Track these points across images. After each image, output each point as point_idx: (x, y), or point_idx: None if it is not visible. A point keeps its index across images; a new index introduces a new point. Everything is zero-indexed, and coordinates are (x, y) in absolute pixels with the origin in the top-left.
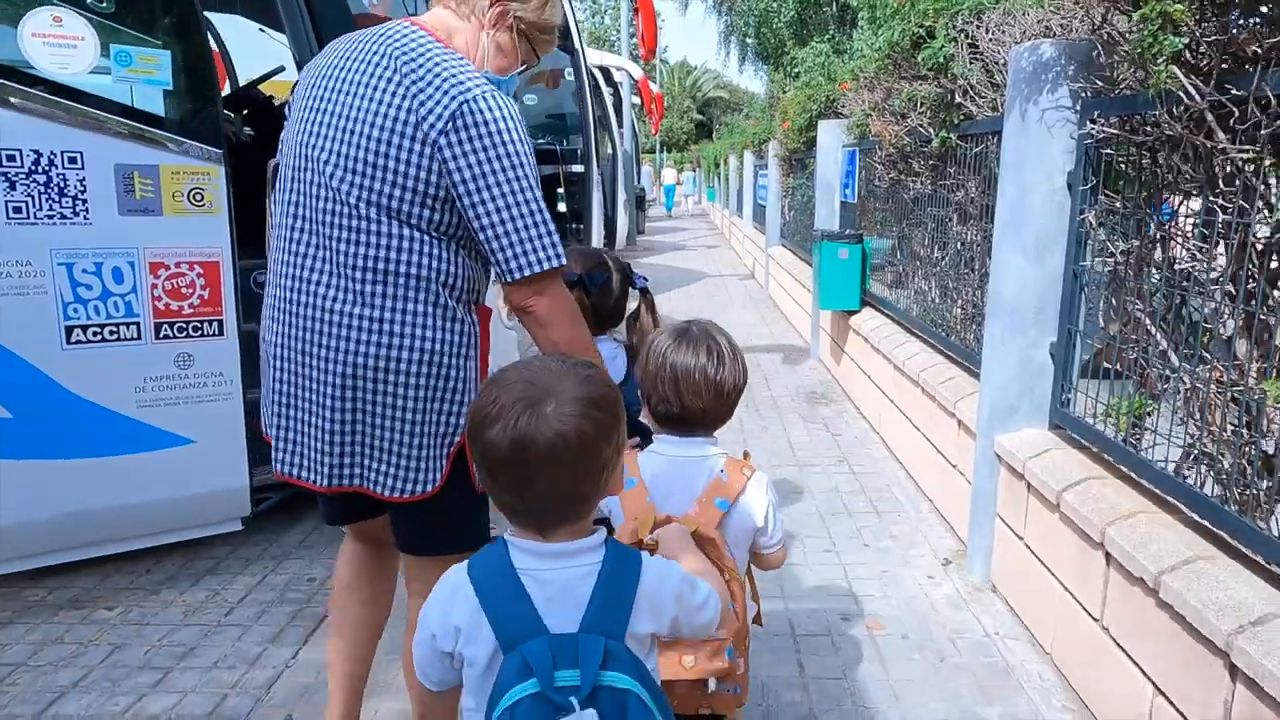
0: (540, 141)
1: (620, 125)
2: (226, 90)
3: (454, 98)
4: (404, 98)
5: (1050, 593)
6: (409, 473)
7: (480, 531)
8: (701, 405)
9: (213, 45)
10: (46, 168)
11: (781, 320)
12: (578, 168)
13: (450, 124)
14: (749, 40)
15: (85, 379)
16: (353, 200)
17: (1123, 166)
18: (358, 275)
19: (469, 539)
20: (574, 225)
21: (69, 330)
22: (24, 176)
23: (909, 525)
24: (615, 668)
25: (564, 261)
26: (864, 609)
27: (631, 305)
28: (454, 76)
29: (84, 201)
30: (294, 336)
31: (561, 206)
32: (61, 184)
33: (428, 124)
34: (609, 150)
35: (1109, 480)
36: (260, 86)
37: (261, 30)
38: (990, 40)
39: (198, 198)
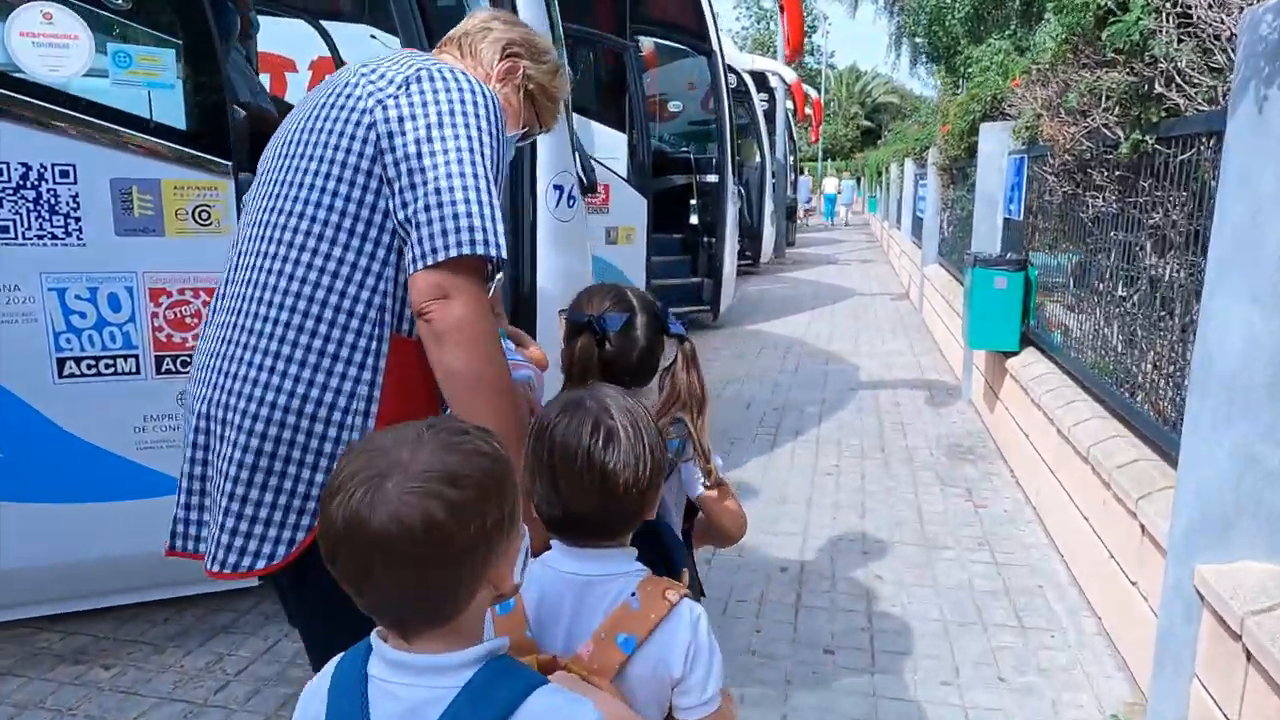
0: (680, 150)
1: (772, 133)
2: None
3: (414, 66)
4: (360, 74)
5: None
6: (238, 539)
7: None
8: (588, 505)
9: (326, 53)
10: (36, 182)
11: (933, 351)
12: (711, 177)
13: (405, 87)
14: (919, 40)
15: (80, 416)
16: (275, 203)
17: None
18: (247, 307)
19: (314, 651)
20: (706, 239)
21: (61, 363)
22: (11, 192)
23: (1065, 653)
24: None
25: (496, 253)
26: None
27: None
28: (420, 56)
29: (77, 220)
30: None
31: (693, 219)
32: (53, 200)
33: (380, 85)
34: (756, 159)
35: None
36: None
37: (373, 37)
38: (1210, 6)
39: (204, 216)
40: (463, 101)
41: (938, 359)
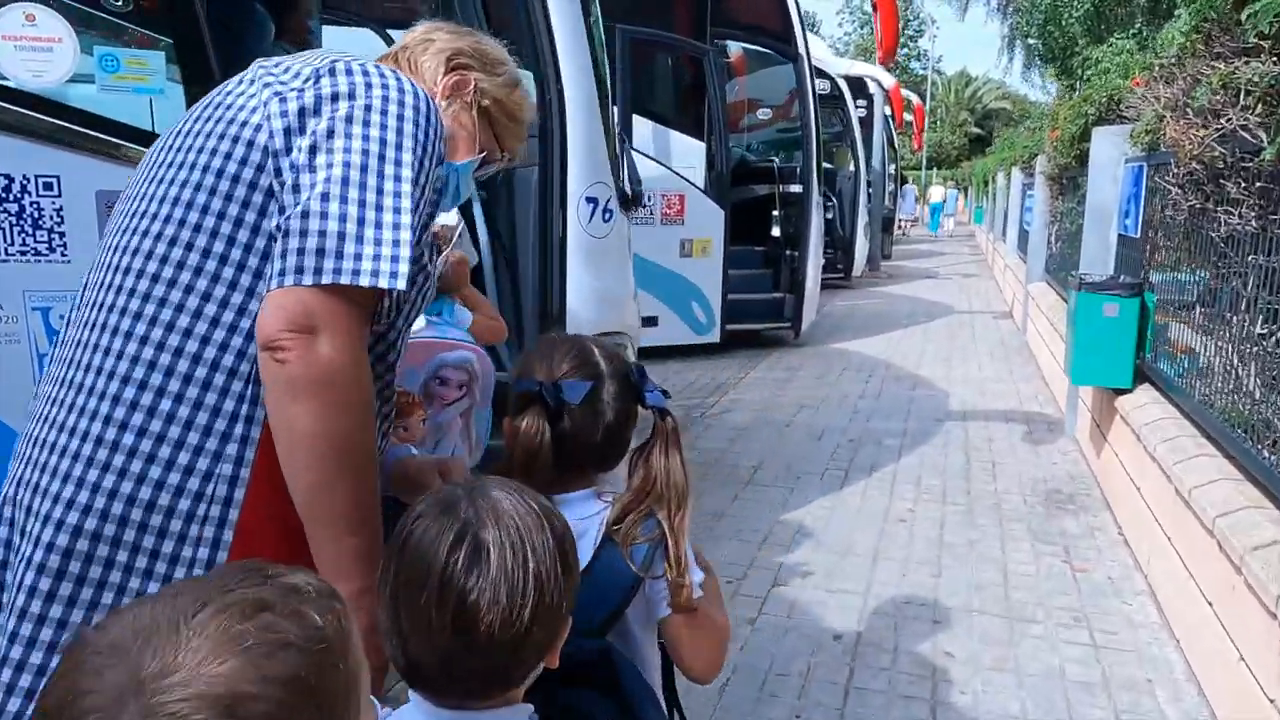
0: (764, 159)
1: (868, 140)
2: None
3: (329, 59)
4: (261, 69)
5: None
6: (25, 675)
7: None
8: (433, 652)
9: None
10: (19, 195)
11: (1035, 378)
12: (796, 187)
13: (314, 79)
14: (1032, 41)
15: None
16: (132, 223)
17: None
18: (82, 357)
19: None
20: (788, 252)
21: None
22: None
23: None
24: None
25: (390, 284)
26: None
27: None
28: (341, 53)
29: (61, 235)
30: None
31: (775, 230)
32: (36, 214)
33: (283, 78)
34: (850, 168)
35: None
36: None
37: None
38: None
39: None
40: (385, 99)
41: (1040, 387)
